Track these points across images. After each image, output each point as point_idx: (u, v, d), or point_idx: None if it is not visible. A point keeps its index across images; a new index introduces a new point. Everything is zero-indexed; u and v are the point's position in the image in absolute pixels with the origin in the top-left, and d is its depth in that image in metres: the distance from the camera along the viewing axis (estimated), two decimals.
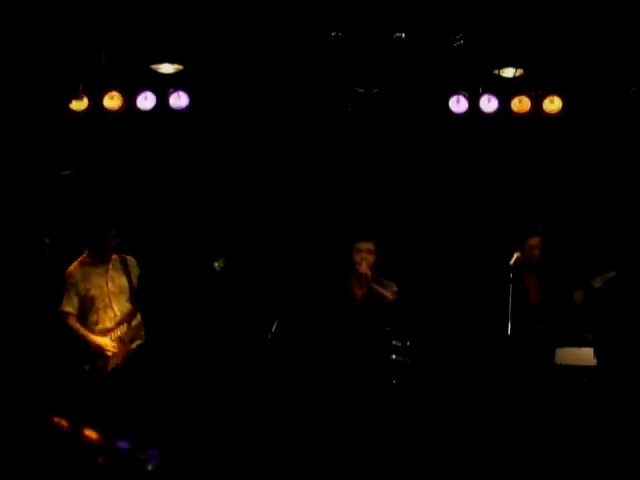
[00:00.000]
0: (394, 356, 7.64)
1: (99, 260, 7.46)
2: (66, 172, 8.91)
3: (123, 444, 2.85)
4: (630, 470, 6.91)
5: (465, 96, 8.96)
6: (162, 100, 8.93)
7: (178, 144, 9.37)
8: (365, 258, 7.74)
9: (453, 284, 9.13)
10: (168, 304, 8.77)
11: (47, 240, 7.10)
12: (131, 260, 7.62)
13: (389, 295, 7.78)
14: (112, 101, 8.78)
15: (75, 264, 7.47)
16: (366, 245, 7.81)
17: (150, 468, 2.70)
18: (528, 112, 8.94)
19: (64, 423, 3.07)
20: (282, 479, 7.12)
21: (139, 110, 8.93)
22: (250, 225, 9.36)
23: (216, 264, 7.71)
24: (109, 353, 7.25)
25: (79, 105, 8.71)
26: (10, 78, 8.48)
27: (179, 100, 8.93)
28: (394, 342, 7.67)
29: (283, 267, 9.15)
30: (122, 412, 7.08)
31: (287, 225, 9.31)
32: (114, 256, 7.52)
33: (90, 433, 3.05)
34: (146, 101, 8.89)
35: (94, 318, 7.33)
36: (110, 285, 7.43)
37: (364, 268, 7.70)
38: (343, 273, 7.86)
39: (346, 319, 7.73)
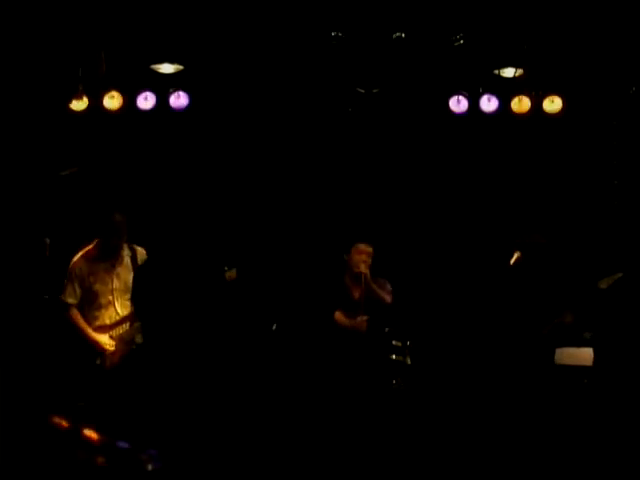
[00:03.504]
0: (394, 356, 7.64)
1: (108, 253, 7.19)
2: (65, 172, 8.90)
3: (123, 444, 2.85)
4: (630, 470, 6.90)
5: (465, 96, 8.97)
6: (162, 100, 8.94)
7: (178, 144, 9.37)
8: (365, 261, 7.76)
9: (453, 284, 9.13)
10: (167, 304, 8.77)
11: (47, 240, 7.05)
12: (142, 253, 7.36)
13: (387, 297, 7.80)
14: (112, 101, 8.78)
15: (81, 255, 7.18)
16: (368, 248, 7.82)
17: (150, 468, 2.70)
18: (528, 112, 8.94)
19: (64, 423, 3.07)
20: (282, 479, 7.12)
21: (139, 110, 8.94)
22: (249, 225, 9.36)
23: (227, 274, 7.53)
24: (107, 352, 7.14)
25: (79, 105, 8.71)
26: (10, 78, 8.48)
27: (179, 100, 8.95)
28: (394, 342, 7.67)
29: (282, 268, 9.16)
30: (122, 411, 7.07)
31: (286, 225, 9.31)
32: (125, 248, 7.25)
33: (90, 433, 3.05)
34: (146, 101, 8.91)
35: (94, 314, 7.16)
36: (116, 282, 7.21)
37: (363, 268, 7.71)
38: (339, 273, 7.86)
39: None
